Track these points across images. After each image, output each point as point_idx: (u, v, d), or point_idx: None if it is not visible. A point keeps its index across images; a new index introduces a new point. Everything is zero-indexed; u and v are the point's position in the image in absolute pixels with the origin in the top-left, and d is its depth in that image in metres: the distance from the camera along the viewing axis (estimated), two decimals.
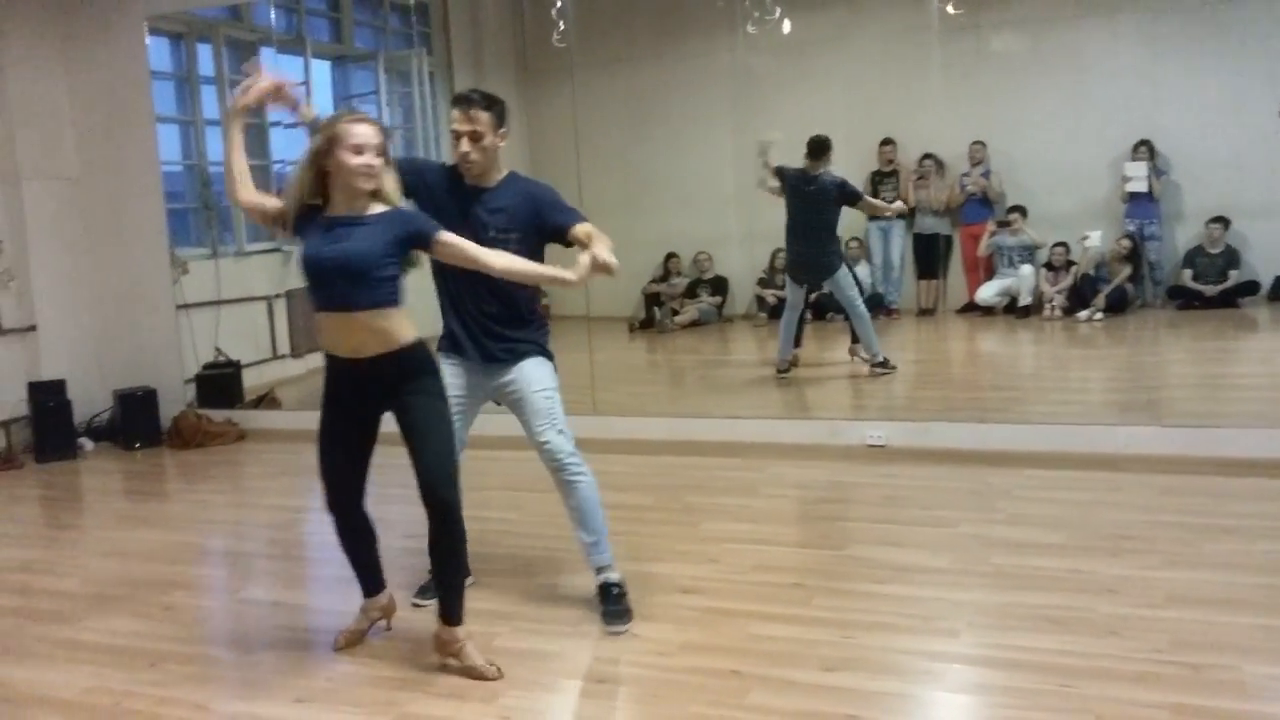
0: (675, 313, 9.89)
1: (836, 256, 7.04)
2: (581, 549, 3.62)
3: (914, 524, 4.44)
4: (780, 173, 7.07)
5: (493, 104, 3.47)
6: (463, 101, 3.46)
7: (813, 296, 7.86)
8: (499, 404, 3.69)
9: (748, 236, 9.72)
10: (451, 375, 3.52)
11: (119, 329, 7.14)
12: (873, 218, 8.25)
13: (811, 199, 6.95)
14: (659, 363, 9.18)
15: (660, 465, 5.48)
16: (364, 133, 3.01)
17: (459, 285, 3.52)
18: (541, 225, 3.49)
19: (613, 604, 3.54)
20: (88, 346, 7.12)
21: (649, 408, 6.40)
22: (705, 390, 7.84)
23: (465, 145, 3.43)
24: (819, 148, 6.95)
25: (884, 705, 2.90)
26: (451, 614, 3.20)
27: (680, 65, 9.96)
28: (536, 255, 3.50)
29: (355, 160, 2.99)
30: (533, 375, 3.56)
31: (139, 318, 7.11)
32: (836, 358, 7.67)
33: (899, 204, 7.91)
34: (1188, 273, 9.05)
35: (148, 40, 6.96)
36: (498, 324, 3.55)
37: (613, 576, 3.59)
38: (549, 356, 3.64)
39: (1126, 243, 9.00)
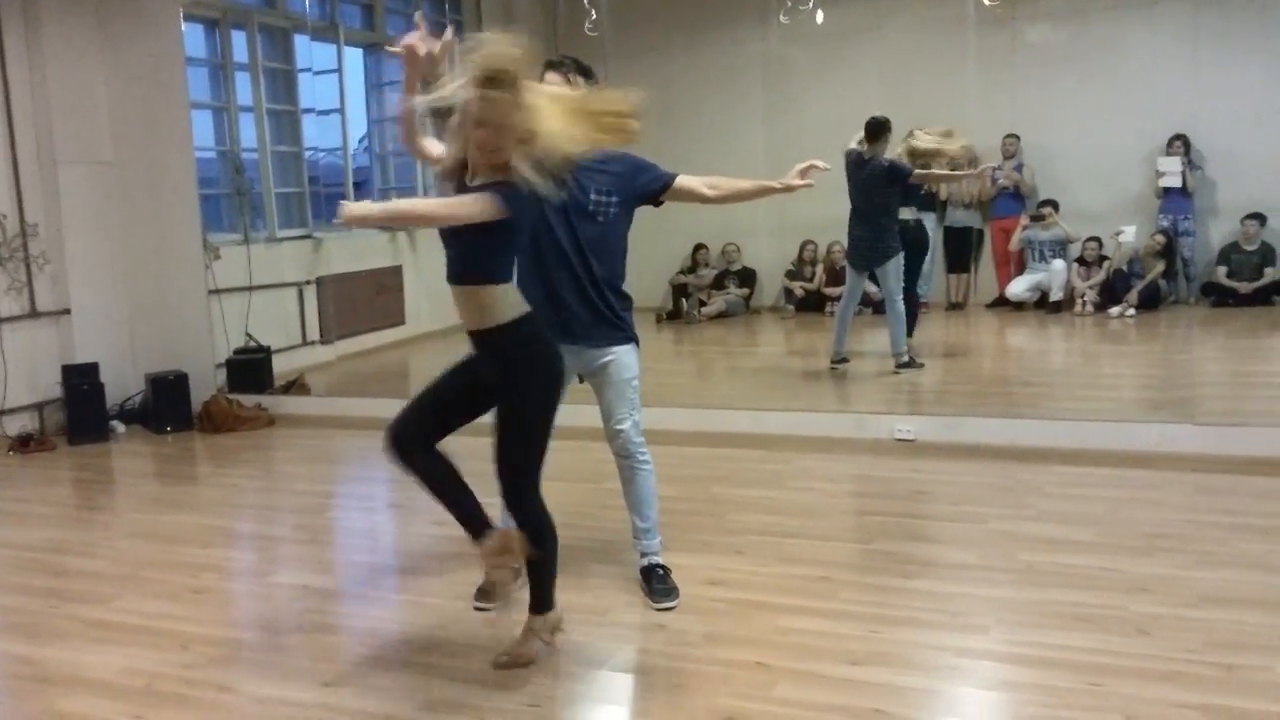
0: (702, 304, 9.88)
1: (894, 241, 6.95)
2: (634, 534, 3.70)
3: (942, 519, 4.42)
4: (847, 157, 6.96)
5: (586, 71, 3.44)
6: (558, 65, 3.40)
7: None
8: (582, 381, 3.63)
9: (776, 228, 9.70)
10: None
11: (152, 313, 7.19)
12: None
13: (865, 182, 6.87)
14: (686, 354, 9.18)
15: (686, 456, 5.47)
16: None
17: (571, 258, 3.42)
18: (636, 188, 3.50)
19: (659, 583, 3.63)
20: (121, 330, 7.18)
21: (675, 399, 6.39)
22: (732, 382, 7.83)
23: None
24: (877, 129, 6.82)
25: (911, 700, 2.89)
26: (540, 602, 3.18)
27: (713, 55, 9.94)
28: (629, 223, 3.54)
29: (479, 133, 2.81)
30: (626, 361, 3.55)
31: (171, 302, 7.16)
32: (864, 350, 7.63)
33: (963, 172, 7.73)
34: (1222, 269, 8.97)
35: (183, 27, 7.00)
36: (596, 295, 3.47)
37: (659, 560, 3.69)
38: (638, 342, 3.62)
39: (1161, 238, 8.92)
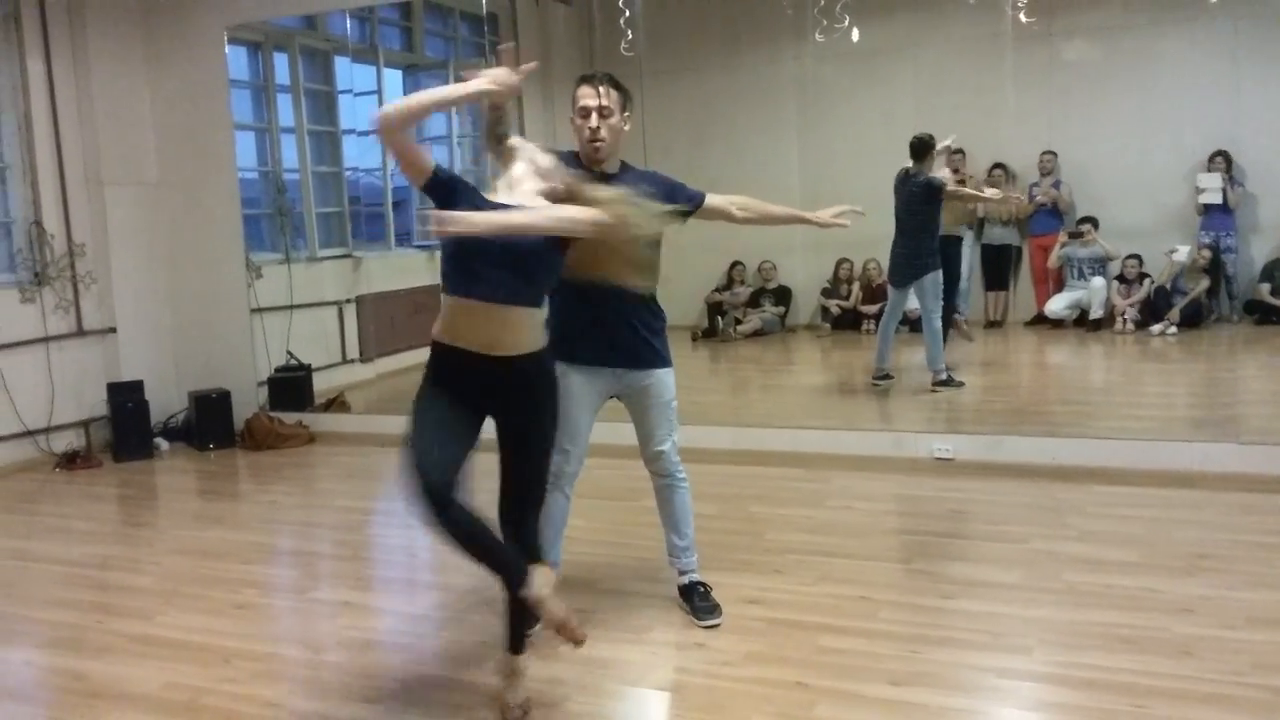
0: (738, 322, 9.87)
1: (931, 259, 7.00)
2: (671, 552, 3.72)
3: (982, 539, 4.39)
4: (898, 175, 7.07)
5: (620, 86, 3.44)
6: (593, 79, 3.39)
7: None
8: (616, 398, 3.62)
9: (812, 246, 9.66)
10: (580, 385, 3.47)
11: (195, 332, 7.30)
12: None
13: (908, 199, 6.98)
14: (722, 372, 9.17)
15: (724, 475, 5.46)
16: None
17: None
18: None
19: (702, 600, 3.64)
20: (165, 349, 7.28)
21: (712, 417, 6.39)
22: (768, 400, 7.81)
23: (595, 120, 3.33)
24: (920, 148, 6.93)
25: None
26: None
27: (748, 74, 9.96)
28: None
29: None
30: (667, 383, 3.57)
31: (214, 321, 7.26)
32: (901, 368, 7.60)
33: (993, 191, 7.84)
34: (1265, 286, 8.84)
35: (227, 49, 7.11)
36: (638, 319, 3.48)
37: (698, 577, 3.71)
38: (672, 364, 3.62)
39: (1207, 254, 8.83)
